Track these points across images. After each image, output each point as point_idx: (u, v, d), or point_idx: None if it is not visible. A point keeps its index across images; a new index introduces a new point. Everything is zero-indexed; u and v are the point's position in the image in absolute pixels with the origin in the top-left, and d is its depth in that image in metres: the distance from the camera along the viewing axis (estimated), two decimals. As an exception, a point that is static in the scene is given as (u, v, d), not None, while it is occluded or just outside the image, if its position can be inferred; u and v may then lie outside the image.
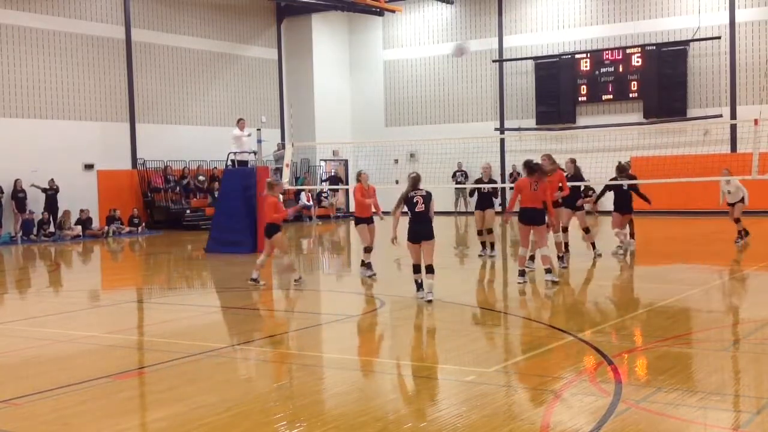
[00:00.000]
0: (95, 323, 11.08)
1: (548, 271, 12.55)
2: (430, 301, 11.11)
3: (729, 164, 23.33)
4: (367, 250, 14.13)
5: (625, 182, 16.16)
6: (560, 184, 14.32)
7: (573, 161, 16.68)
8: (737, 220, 18.06)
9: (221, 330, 10.39)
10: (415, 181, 11.45)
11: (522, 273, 12.70)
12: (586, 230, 16.12)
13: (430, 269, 11.28)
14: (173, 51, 30.41)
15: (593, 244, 16.06)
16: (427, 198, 11.35)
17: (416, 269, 11.47)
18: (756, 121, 17.00)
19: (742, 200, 18.02)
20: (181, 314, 11.40)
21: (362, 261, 14.21)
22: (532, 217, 12.50)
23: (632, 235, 17.12)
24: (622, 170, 16.62)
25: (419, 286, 11.47)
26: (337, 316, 10.92)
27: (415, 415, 6.20)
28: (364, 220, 14.23)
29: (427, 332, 9.88)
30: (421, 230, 11.29)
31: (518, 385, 7.15)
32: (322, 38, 34.96)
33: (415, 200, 11.31)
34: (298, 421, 6.07)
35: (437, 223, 13.50)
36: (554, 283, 12.44)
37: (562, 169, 15.21)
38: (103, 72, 28.03)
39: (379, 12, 33.53)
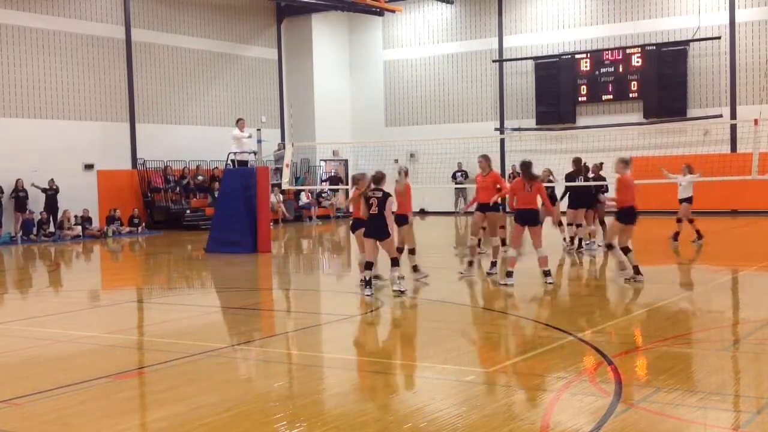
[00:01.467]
0: (95, 323, 11.08)
1: (547, 273, 12.53)
2: (402, 292, 11.64)
3: (729, 164, 23.40)
4: (411, 251, 13.50)
5: (592, 183, 17.29)
6: (498, 186, 13.81)
7: (578, 161, 17.17)
8: (691, 221, 18.08)
9: (221, 330, 10.39)
10: (375, 181, 11.87)
11: (509, 274, 12.49)
12: (578, 225, 16.82)
13: (394, 262, 11.86)
14: (173, 51, 30.40)
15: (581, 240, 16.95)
16: (382, 199, 11.71)
17: (367, 266, 11.87)
18: (756, 121, 17.01)
19: (690, 200, 17.97)
20: (181, 314, 11.39)
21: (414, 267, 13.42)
22: (527, 218, 12.51)
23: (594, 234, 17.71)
24: (587, 170, 17.63)
25: (367, 283, 11.77)
26: (337, 316, 10.92)
27: (415, 415, 6.19)
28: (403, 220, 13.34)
29: (427, 332, 9.87)
30: (375, 229, 11.77)
31: (518, 385, 7.14)
32: (322, 38, 34.96)
33: (370, 201, 11.76)
34: (298, 421, 6.07)
35: (438, 223, 13.49)
36: (550, 283, 12.46)
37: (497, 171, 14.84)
38: (103, 72, 28.03)
39: (379, 12, 33.53)
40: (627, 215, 12.56)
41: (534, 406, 6.38)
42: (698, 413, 6.08)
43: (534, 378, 7.27)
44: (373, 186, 11.86)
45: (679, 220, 18.30)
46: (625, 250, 12.54)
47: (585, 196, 17.10)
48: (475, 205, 14.07)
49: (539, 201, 12.79)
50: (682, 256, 17.00)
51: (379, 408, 6.45)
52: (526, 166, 12.61)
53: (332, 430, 5.83)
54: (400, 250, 13.04)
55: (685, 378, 7.03)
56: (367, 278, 11.84)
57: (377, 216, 11.73)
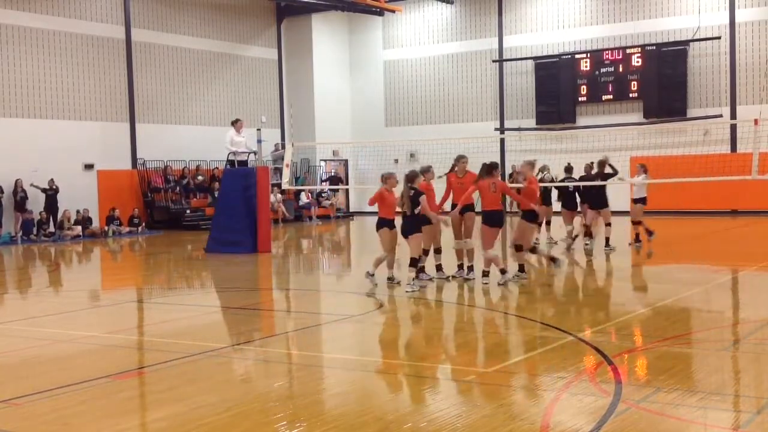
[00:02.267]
0: (95, 323, 11.08)
1: (485, 273, 12.62)
2: (414, 291, 11.96)
3: (729, 164, 23.39)
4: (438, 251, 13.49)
5: (571, 183, 17.86)
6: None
7: (602, 163, 17.30)
8: (639, 222, 17.87)
9: (221, 330, 10.39)
10: (409, 180, 12.30)
11: (503, 271, 12.54)
12: (608, 224, 17.24)
13: (412, 262, 12.23)
14: (173, 51, 30.41)
15: (607, 239, 17.03)
16: (414, 197, 12.14)
17: (414, 261, 12.29)
18: (756, 121, 17.01)
19: (644, 201, 17.78)
20: (181, 314, 11.40)
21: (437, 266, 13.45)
22: (498, 219, 12.61)
23: (590, 234, 17.64)
24: (569, 171, 18.09)
25: (438, 267, 13.12)
26: (337, 316, 10.92)
27: (415, 415, 6.19)
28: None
29: (428, 332, 9.87)
30: (406, 226, 12.32)
31: (518, 385, 7.14)
32: (322, 38, 34.96)
33: (403, 200, 12.27)
34: (298, 421, 6.07)
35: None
36: (467, 279, 12.83)
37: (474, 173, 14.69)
38: (103, 72, 28.04)
39: (379, 12, 33.53)
40: (533, 215, 13.11)
41: (534, 406, 6.37)
42: (698, 413, 6.08)
43: (534, 378, 7.27)
44: (409, 185, 12.24)
45: (638, 222, 18.13)
46: (518, 248, 13.06)
47: (598, 196, 17.36)
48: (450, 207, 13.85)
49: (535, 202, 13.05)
50: (680, 256, 17.00)
51: (379, 408, 6.45)
52: (490, 166, 12.70)
53: (332, 430, 5.83)
54: (437, 251, 13.39)
55: (685, 378, 7.03)
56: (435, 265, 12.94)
57: (409, 214, 12.18)
